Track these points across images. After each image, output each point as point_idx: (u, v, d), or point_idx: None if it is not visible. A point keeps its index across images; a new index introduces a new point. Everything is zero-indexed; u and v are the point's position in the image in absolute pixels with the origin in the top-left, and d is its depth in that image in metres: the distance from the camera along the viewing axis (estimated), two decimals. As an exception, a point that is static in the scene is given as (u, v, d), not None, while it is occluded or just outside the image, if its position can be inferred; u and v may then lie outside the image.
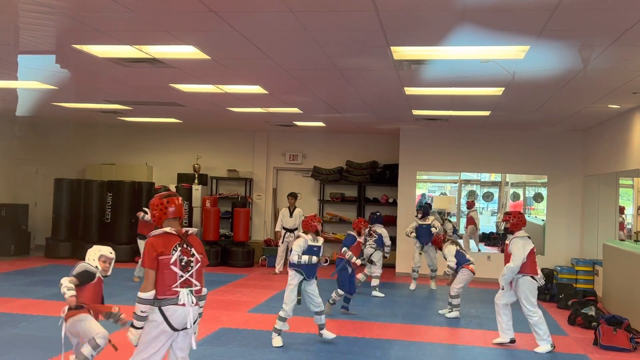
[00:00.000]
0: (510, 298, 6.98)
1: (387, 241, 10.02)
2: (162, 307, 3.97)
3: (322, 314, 6.81)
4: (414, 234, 10.68)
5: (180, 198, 4.30)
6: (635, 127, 8.84)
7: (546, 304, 9.80)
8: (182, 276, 4.03)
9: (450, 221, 10.65)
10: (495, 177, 14.52)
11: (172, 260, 3.99)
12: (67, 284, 4.54)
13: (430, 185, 15.04)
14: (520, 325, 7.91)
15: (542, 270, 11.42)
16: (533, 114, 9.77)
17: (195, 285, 4.10)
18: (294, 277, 6.62)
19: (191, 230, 4.22)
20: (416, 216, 10.88)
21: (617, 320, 7.35)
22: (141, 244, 9.86)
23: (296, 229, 11.47)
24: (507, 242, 7.08)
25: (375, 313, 8.56)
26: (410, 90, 8.09)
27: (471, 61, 6.34)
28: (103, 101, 10.19)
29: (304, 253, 6.58)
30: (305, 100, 9.35)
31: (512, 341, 7.02)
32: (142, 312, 3.94)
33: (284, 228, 11.88)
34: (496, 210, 14.86)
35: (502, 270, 6.99)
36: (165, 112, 11.30)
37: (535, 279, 6.85)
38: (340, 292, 8.17)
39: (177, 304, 3.99)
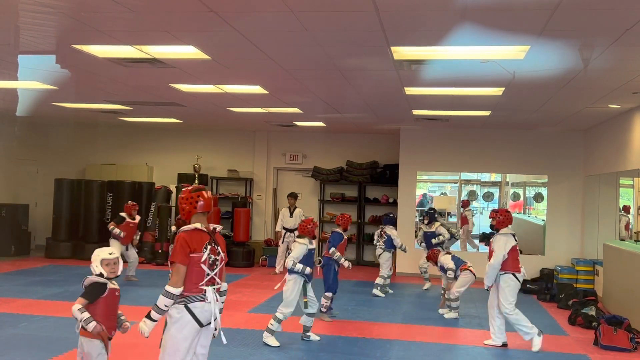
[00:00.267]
0: None
1: (398, 243, 9.98)
2: (189, 305, 3.98)
3: (313, 316, 6.79)
4: (423, 244, 10.58)
5: (209, 192, 4.23)
6: (636, 127, 8.84)
7: (546, 304, 9.81)
8: (208, 274, 4.04)
9: (444, 225, 10.58)
10: (495, 177, 14.50)
11: (202, 259, 4.00)
12: (77, 313, 4.16)
13: (430, 185, 15.03)
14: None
15: (542, 270, 11.62)
16: (533, 114, 9.77)
17: (218, 284, 4.13)
18: (296, 282, 6.59)
19: (218, 227, 4.21)
20: (422, 222, 10.84)
21: (617, 320, 7.35)
22: (111, 243, 9.74)
23: (296, 229, 11.45)
24: (491, 239, 7.04)
25: (375, 313, 8.56)
26: (410, 90, 8.09)
27: (471, 61, 6.34)
28: (103, 101, 10.20)
29: (300, 262, 6.56)
30: (305, 100, 9.35)
31: (504, 345, 6.98)
32: (165, 306, 3.94)
33: (284, 228, 11.89)
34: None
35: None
36: (165, 112, 11.31)
37: (517, 277, 6.80)
38: (328, 294, 7.90)
39: (203, 301, 4.02)
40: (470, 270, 8.32)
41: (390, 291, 10.11)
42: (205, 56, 6.42)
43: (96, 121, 13.30)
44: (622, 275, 8.50)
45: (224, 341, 4.20)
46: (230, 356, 6.09)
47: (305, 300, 6.61)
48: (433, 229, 10.28)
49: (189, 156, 13.99)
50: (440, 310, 8.66)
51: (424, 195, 14.38)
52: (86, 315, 4.15)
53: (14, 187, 13.80)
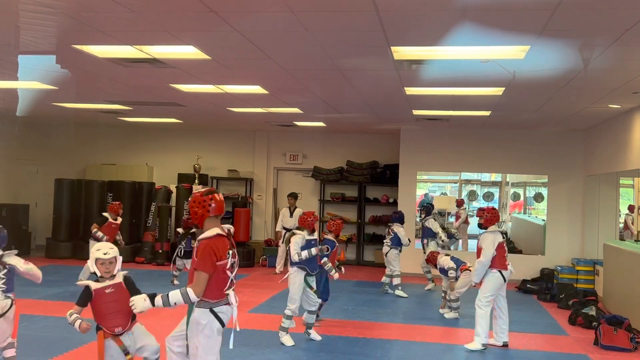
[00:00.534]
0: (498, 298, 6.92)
1: (405, 240, 10.02)
2: (215, 309, 4.01)
3: (314, 312, 6.81)
4: (425, 240, 10.69)
5: (221, 194, 4.18)
6: (636, 127, 8.83)
7: (547, 304, 9.81)
8: (231, 279, 4.07)
9: (436, 220, 10.67)
10: (495, 177, 14.50)
11: (228, 266, 4.03)
12: (68, 318, 4.20)
13: (430, 185, 15.03)
14: (514, 325, 7.91)
15: (542, 270, 11.61)
16: (533, 113, 9.77)
17: (235, 284, 4.16)
18: (297, 275, 6.62)
19: (232, 229, 4.21)
20: (420, 216, 10.92)
21: (617, 320, 7.35)
22: (93, 245, 9.65)
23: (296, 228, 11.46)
24: (479, 237, 7.03)
25: (375, 313, 8.56)
26: (410, 90, 8.09)
27: (471, 61, 6.34)
28: (103, 101, 10.19)
29: (302, 249, 6.59)
30: (305, 101, 9.34)
31: (505, 345, 6.95)
32: (175, 304, 3.94)
33: (284, 228, 11.89)
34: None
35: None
36: (165, 112, 11.30)
37: (503, 274, 6.78)
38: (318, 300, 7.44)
39: (227, 304, 4.08)
40: (470, 270, 8.31)
41: (391, 291, 10.11)
42: (205, 56, 6.41)
43: (96, 121, 13.30)
44: (623, 275, 8.50)
45: (231, 346, 4.22)
46: (230, 356, 6.09)
47: (313, 290, 6.64)
48: (430, 226, 10.44)
49: (189, 156, 13.99)
50: (441, 310, 8.66)
51: (426, 195, 14.39)
52: (72, 317, 4.17)
53: (14, 187, 13.80)
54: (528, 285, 10.92)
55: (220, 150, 14.48)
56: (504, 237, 6.88)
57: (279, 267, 11.87)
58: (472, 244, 13.81)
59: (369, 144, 13.96)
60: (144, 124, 13.55)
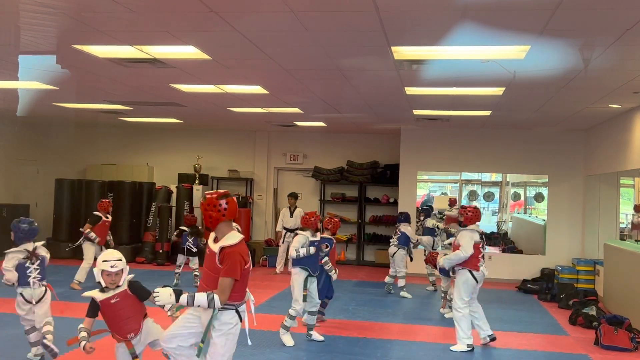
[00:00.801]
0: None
1: (414, 238, 10.05)
2: (238, 309, 4.11)
3: (315, 314, 6.80)
4: (428, 238, 10.75)
5: (234, 198, 4.17)
6: (636, 126, 8.83)
7: (547, 304, 9.81)
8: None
9: (434, 218, 10.74)
10: (496, 177, 14.51)
11: (251, 268, 4.12)
12: (77, 333, 4.20)
13: (431, 185, 15.03)
14: (515, 325, 7.91)
15: (542, 270, 11.61)
16: (534, 113, 9.76)
17: None
18: (299, 275, 6.61)
19: (239, 229, 4.30)
20: (419, 218, 10.95)
21: (618, 320, 7.35)
22: (86, 246, 9.61)
23: (297, 228, 11.46)
24: (456, 234, 7.01)
25: (376, 313, 8.56)
26: (410, 90, 8.09)
27: (472, 61, 6.33)
28: (104, 101, 10.20)
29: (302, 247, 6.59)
30: (305, 100, 9.34)
31: (493, 338, 6.90)
32: (198, 306, 3.98)
33: (284, 228, 11.91)
34: (497, 210, 14.85)
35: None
36: (166, 112, 11.31)
37: (473, 275, 6.73)
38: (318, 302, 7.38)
39: (244, 302, 4.18)
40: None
41: (392, 291, 10.10)
42: (205, 56, 6.41)
43: (97, 121, 13.30)
44: (623, 275, 8.50)
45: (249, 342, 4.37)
46: (230, 356, 6.09)
47: (304, 293, 6.60)
48: (429, 225, 10.47)
49: (189, 156, 14.00)
50: (442, 310, 8.66)
51: (427, 195, 14.39)
52: (80, 335, 4.16)
53: (15, 188, 13.80)
54: (528, 285, 10.92)
55: (221, 150, 14.48)
56: (481, 238, 6.85)
57: (279, 267, 11.88)
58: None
59: (369, 144, 13.96)
60: (144, 124, 13.55)
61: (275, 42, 5.83)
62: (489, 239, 14.38)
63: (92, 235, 9.52)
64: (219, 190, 4.22)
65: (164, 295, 3.97)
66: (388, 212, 13.68)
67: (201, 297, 3.94)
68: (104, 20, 5.27)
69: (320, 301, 6.96)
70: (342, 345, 6.72)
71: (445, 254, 8.85)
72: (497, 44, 5.69)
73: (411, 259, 10.22)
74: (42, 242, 5.87)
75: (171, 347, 4.19)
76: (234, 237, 4.02)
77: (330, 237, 7.44)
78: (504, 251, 12.88)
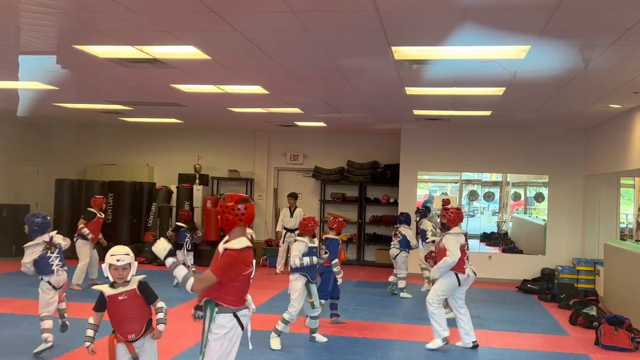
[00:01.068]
0: (457, 293, 6.85)
1: (414, 242, 9.99)
2: (238, 313, 4.03)
3: (317, 317, 6.78)
4: (421, 241, 10.69)
5: (253, 204, 4.09)
6: (636, 126, 8.83)
7: (547, 304, 9.81)
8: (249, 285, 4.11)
9: (431, 220, 10.64)
10: (496, 177, 14.51)
11: (252, 274, 4.05)
12: (87, 331, 4.29)
13: (431, 185, 15.03)
14: (515, 325, 7.90)
15: (543, 270, 11.61)
16: (534, 113, 9.76)
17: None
18: (298, 281, 6.58)
19: (253, 234, 4.24)
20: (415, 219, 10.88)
21: (618, 320, 7.35)
22: (80, 245, 9.53)
23: (297, 228, 11.47)
24: (441, 237, 6.95)
25: (376, 313, 8.55)
26: (411, 90, 8.09)
27: (472, 61, 6.33)
28: (104, 101, 10.20)
29: (304, 255, 6.55)
30: (305, 101, 9.35)
31: (475, 345, 6.77)
32: (174, 276, 3.89)
33: (284, 228, 11.91)
34: (497, 211, 14.86)
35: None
36: (166, 112, 11.31)
37: (458, 277, 6.69)
38: (322, 301, 7.32)
39: (247, 308, 4.10)
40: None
41: (396, 292, 10.08)
42: (205, 56, 6.42)
43: (97, 121, 13.31)
44: (623, 275, 8.50)
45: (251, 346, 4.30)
46: (230, 356, 6.09)
47: (311, 300, 6.58)
48: (424, 227, 10.41)
49: (189, 156, 14.00)
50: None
51: (429, 195, 14.39)
52: (87, 334, 4.26)
53: (15, 188, 13.80)
54: (529, 285, 10.92)
55: (221, 150, 14.48)
56: (466, 240, 6.84)
57: (279, 267, 11.88)
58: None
59: (369, 144, 13.96)
60: (144, 124, 13.55)
61: (275, 42, 5.83)
62: (489, 239, 14.43)
63: (86, 231, 9.50)
64: (239, 194, 4.16)
65: (159, 246, 3.98)
66: (388, 212, 13.68)
67: (180, 271, 3.87)
68: (104, 21, 5.27)
69: (322, 305, 6.90)
70: (342, 346, 6.72)
71: (432, 252, 8.75)
72: (497, 44, 5.69)
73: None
74: (55, 231, 6.14)
75: None
76: (240, 242, 3.96)
77: (335, 237, 7.43)
78: (504, 251, 12.89)
